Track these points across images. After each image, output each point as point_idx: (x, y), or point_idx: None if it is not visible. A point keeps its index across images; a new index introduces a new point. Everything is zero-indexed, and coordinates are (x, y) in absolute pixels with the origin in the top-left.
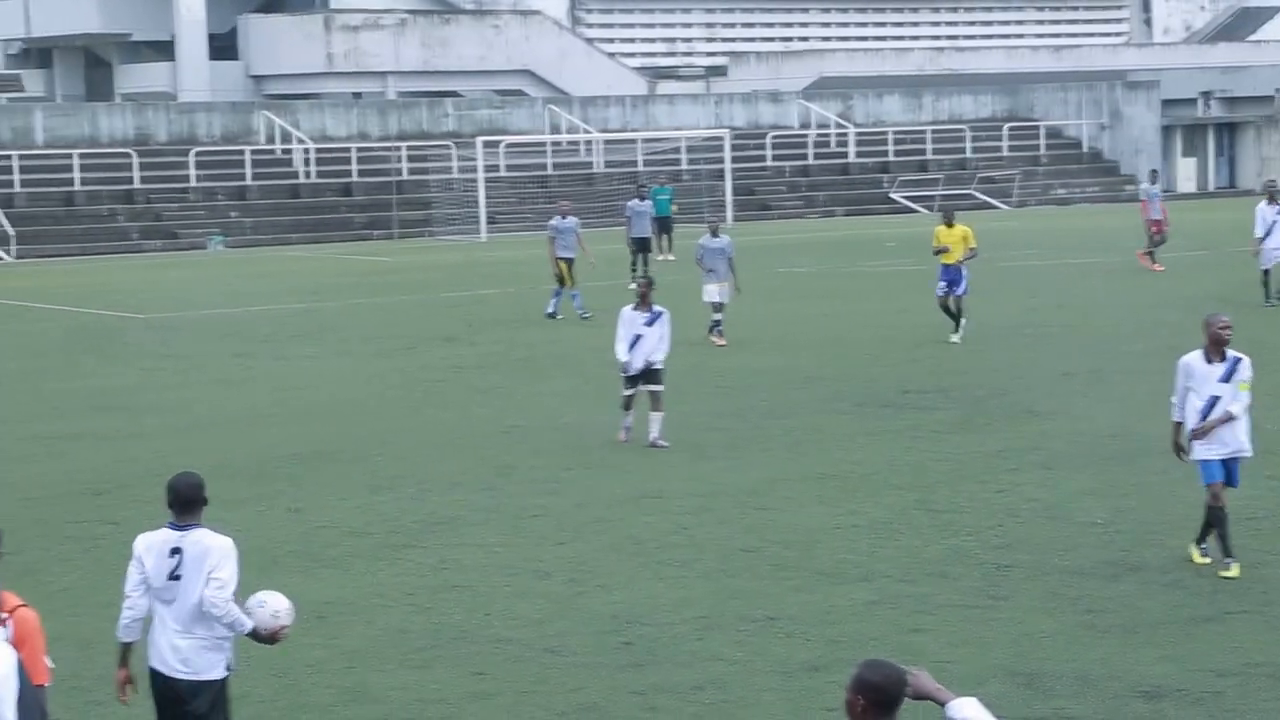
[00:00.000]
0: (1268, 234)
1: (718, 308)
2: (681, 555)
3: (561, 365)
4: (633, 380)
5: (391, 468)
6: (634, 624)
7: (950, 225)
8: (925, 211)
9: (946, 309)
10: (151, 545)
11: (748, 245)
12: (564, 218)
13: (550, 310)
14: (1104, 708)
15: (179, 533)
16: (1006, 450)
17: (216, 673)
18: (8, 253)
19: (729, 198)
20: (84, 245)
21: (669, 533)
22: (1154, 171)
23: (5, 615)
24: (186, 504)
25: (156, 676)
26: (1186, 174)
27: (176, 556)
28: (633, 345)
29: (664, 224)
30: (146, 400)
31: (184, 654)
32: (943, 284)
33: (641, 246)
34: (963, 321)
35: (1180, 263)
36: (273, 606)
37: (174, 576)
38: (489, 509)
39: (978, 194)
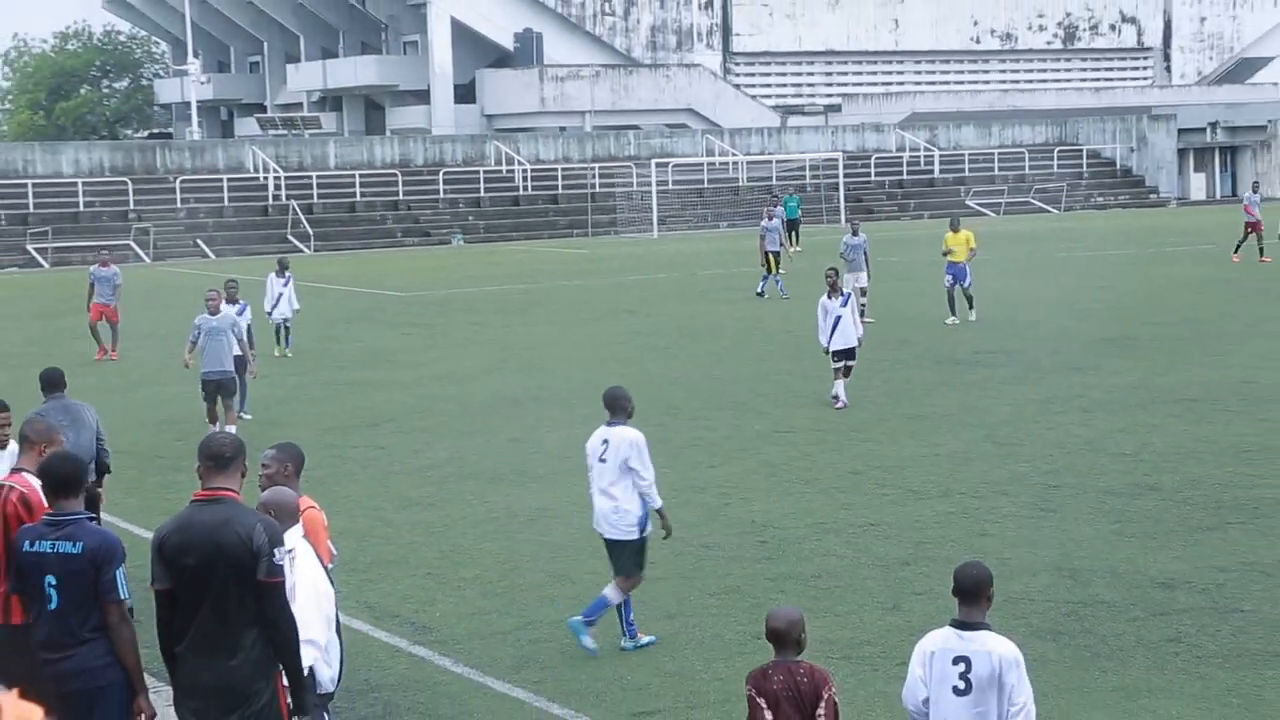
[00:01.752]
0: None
1: (861, 292)
2: (804, 476)
3: (714, 332)
4: (839, 356)
5: (587, 408)
6: (768, 528)
7: (956, 231)
8: (993, 215)
9: (951, 298)
10: (591, 440)
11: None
12: (770, 219)
13: (760, 290)
14: (1130, 595)
15: (607, 428)
16: (1055, 398)
17: (633, 534)
18: (308, 247)
19: (842, 205)
20: (362, 241)
21: (795, 459)
22: (1255, 182)
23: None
24: (611, 409)
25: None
26: (1198, 186)
27: (605, 444)
28: (834, 327)
29: (792, 224)
30: (405, 357)
31: (607, 519)
32: (949, 277)
33: None
34: (973, 307)
35: (1192, 253)
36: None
37: (602, 459)
38: (659, 440)
39: (1034, 201)
